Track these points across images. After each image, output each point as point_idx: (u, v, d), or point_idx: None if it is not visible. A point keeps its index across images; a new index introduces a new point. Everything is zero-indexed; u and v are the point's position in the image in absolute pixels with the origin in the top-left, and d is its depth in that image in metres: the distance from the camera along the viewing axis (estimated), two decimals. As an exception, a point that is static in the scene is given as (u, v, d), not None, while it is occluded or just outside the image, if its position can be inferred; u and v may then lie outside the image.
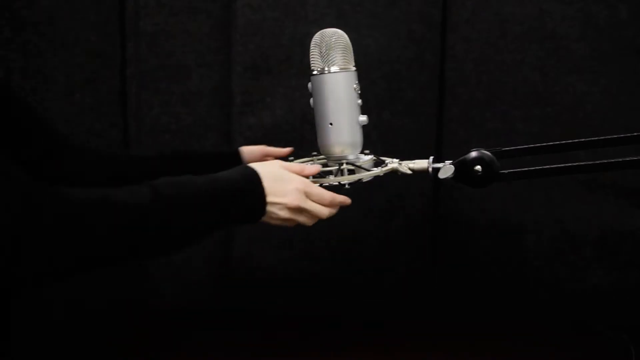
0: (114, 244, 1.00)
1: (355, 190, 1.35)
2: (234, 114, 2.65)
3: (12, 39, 2.47)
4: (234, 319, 2.64)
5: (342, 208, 1.29)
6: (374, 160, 1.39)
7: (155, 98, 2.67)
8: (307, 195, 1.22)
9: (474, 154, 1.33)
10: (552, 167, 1.35)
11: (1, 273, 0.92)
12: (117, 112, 2.68)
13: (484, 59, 2.63)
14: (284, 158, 1.53)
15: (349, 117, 1.33)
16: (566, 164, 1.35)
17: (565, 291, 2.69)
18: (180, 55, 2.65)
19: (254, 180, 1.18)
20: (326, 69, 1.32)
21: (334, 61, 1.31)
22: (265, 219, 1.23)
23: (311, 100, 1.36)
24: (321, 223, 2.69)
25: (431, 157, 1.37)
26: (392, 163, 1.37)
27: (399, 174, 1.36)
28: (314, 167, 1.28)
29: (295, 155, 1.57)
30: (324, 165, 1.39)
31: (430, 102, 2.67)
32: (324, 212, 1.24)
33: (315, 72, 1.33)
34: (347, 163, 1.35)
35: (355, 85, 1.34)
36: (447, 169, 1.33)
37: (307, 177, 1.26)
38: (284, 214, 1.22)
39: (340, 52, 1.31)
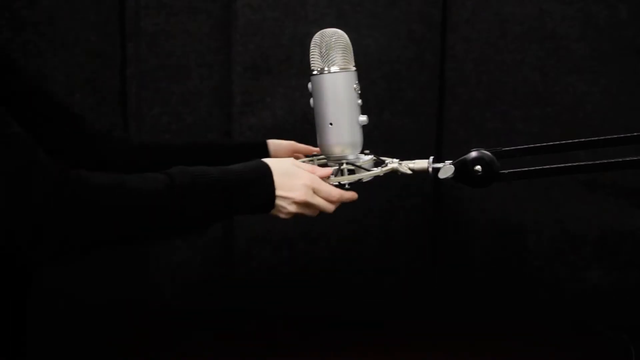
0: (128, 227, 1.07)
1: (355, 190, 1.35)
2: (234, 114, 2.65)
3: (12, 39, 2.47)
4: (234, 319, 2.64)
5: (345, 205, 1.30)
6: (374, 160, 1.39)
7: (155, 98, 2.67)
8: (315, 192, 1.24)
9: (474, 154, 1.33)
10: (552, 167, 1.35)
11: (24, 249, 0.99)
12: (117, 112, 2.68)
13: (484, 59, 2.63)
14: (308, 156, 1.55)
15: (349, 117, 1.33)
16: (566, 164, 1.34)
17: (565, 291, 2.69)
18: (180, 55, 2.65)
19: (265, 174, 1.21)
20: (326, 69, 1.31)
21: (334, 61, 1.31)
22: (274, 212, 1.24)
23: (311, 100, 1.35)
24: (321, 223, 2.70)
25: (431, 157, 1.37)
26: (392, 163, 1.36)
27: (399, 174, 1.36)
28: (325, 170, 1.29)
29: (295, 156, 1.57)
30: (324, 165, 1.39)
31: (430, 102, 2.68)
32: (330, 208, 1.27)
33: (315, 72, 1.32)
34: (347, 163, 1.35)
35: (355, 85, 1.34)
36: (447, 169, 1.33)
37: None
38: (293, 208, 1.24)
39: (340, 52, 1.31)
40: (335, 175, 1.33)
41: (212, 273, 2.76)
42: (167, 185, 1.10)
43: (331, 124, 1.34)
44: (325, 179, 1.29)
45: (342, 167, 1.35)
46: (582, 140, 1.37)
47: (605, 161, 1.33)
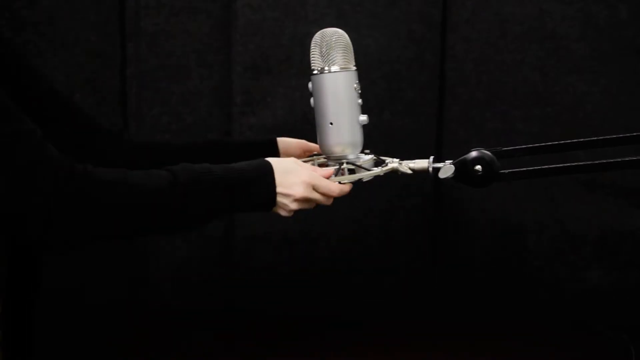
0: (131, 222, 1.11)
1: (355, 190, 1.34)
2: (234, 114, 2.65)
3: (12, 39, 2.47)
4: (234, 319, 2.64)
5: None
6: (374, 159, 1.39)
7: (155, 98, 2.67)
8: (315, 188, 1.25)
9: (474, 153, 1.32)
10: (552, 167, 1.35)
11: (34, 237, 1.06)
12: (117, 112, 2.67)
13: (484, 59, 2.63)
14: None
15: (350, 117, 1.33)
16: (566, 164, 1.34)
17: (565, 291, 2.69)
18: (180, 55, 2.65)
19: (267, 172, 1.23)
20: (326, 68, 1.31)
21: (334, 61, 1.31)
22: (276, 209, 1.26)
23: (311, 99, 1.35)
24: (321, 223, 2.70)
25: (431, 157, 1.36)
26: (393, 163, 1.36)
27: (399, 173, 1.36)
28: (326, 170, 1.29)
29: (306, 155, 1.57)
30: (324, 165, 1.39)
31: (430, 102, 2.68)
32: (328, 202, 1.27)
33: (315, 72, 1.32)
34: (347, 163, 1.35)
35: (355, 85, 1.33)
36: (447, 169, 1.32)
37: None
38: (294, 206, 1.25)
39: (340, 51, 1.31)
40: (336, 175, 1.33)
41: (212, 273, 2.75)
42: (170, 182, 1.13)
43: (331, 123, 1.34)
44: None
45: (342, 166, 1.35)
46: (582, 140, 1.37)
47: (605, 161, 1.33)
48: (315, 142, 1.41)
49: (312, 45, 1.33)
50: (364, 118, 1.35)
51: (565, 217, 2.67)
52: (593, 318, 2.56)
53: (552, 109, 2.62)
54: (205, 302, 2.72)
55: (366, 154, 1.39)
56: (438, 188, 2.71)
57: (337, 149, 1.35)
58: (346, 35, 1.33)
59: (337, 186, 1.27)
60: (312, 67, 1.34)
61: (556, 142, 1.39)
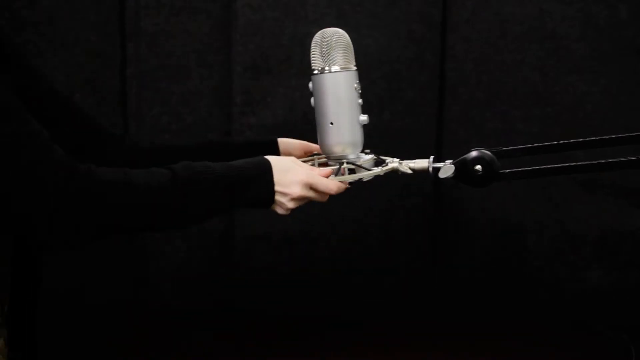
0: (133, 220, 1.14)
1: (355, 189, 1.35)
2: (234, 114, 2.65)
3: (13, 39, 2.47)
4: (234, 319, 2.64)
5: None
6: (375, 159, 1.39)
7: (155, 98, 2.67)
8: (313, 187, 1.25)
9: (474, 153, 1.32)
10: (551, 167, 1.35)
11: (39, 235, 1.08)
12: (117, 112, 2.67)
13: (484, 59, 2.64)
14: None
15: (350, 117, 1.33)
16: (566, 164, 1.34)
17: (565, 291, 2.69)
18: (180, 55, 2.65)
19: (266, 170, 1.24)
20: (327, 68, 1.31)
21: (334, 61, 1.31)
22: (274, 207, 1.27)
23: (312, 99, 1.35)
24: (321, 223, 2.70)
25: (431, 157, 1.36)
26: (393, 162, 1.36)
27: (399, 173, 1.36)
28: (325, 170, 1.29)
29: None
30: (324, 164, 1.39)
31: (430, 102, 2.68)
32: (324, 199, 1.28)
33: (315, 72, 1.32)
34: (347, 162, 1.35)
35: (356, 85, 1.33)
36: (447, 169, 1.32)
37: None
38: (291, 204, 1.27)
39: (341, 51, 1.31)
40: (336, 175, 1.33)
41: (212, 273, 2.75)
42: (170, 181, 1.15)
43: (332, 123, 1.34)
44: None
45: (342, 166, 1.35)
46: (582, 140, 1.37)
47: (605, 161, 1.33)
48: (315, 142, 1.41)
49: (312, 45, 1.33)
50: (364, 118, 1.35)
51: (565, 217, 2.67)
52: (593, 318, 2.56)
53: (552, 109, 2.62)
54: (205, 302, 2.72)
55: (366, 153, 1.39)
56: (438, 188, 2.71)
57: (338, 149, 1.35)
58: (346, 35, 1.33)
59: (334, 184, 1.28)
60: (313, 67, 1.34)
61: (556, 142, 1.39)
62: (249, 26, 2.60)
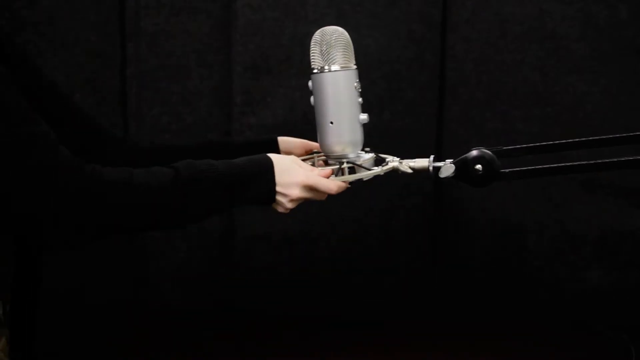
0: (136, 219, 1.15)
1: (355, 189, 1.35)
2: (234, 114, 2.65)
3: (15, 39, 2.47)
4: (234, 319, 2.64)
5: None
6: (375, 158, 1.38)
7: (155, 98, 2.67)
8: (313, 188, 1.25)
9: (474, 152, 1.32)
10: (552, 167, 1.35)
11: (44, 234, 1.10)
12: (117, 112, 2.67)
13: (484, 59, 2.64)
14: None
15: (350, 116, 1.32)
16: (566, 164, 1.34)
17: (565, 291, 2.69)
18: (180, 55, 2.65)
19: (268, 169, 1.25)
20: (326, 67, 1.31)
21: (334, 59, 1.30)
22: (274, 205, 1.28)
23: (311, 98, 1.35)
24: (321, 223, 2.70)
25: (432, 156, 1.36)
26: (393, 162, 1.36)
27: (400, 172, 1.36)
28: (325, 170, 1.29)
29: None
30: (324, 162, 1.39)
31: (430, 102, 2.68)
32: (323, 198, 1.28)
33: (315, 71, 1.32)
34: (347, 162, 1.34)
35: (356, 84, 1.33)
36: (447, 168, 1.32)
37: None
38: (290, 205, 1.28)
39: (341, 50, 1.30)
40: (336, 175, 1.33)
41: (212, 273, 2.75)
42: (173, 180, 1.16)
43: (332, 122, 1.34)
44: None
45: (342, 166, 1.35)
46: (582, 139, 1.37)
47: (605, 161, 1.33)
48: (315, 141, 1.40)
49: (312, 43, 1.32)
50: (364, 117, 1.35)
51: (565, 217, 2.67)
52: (593, 318, 2.56)
53: (552, 109, 2.62)
54: (205, 302, 2.72)
55: (366, 151, 1.39)
56: (438, 188, 2.71)
57: (338, 148, 1.35)
58: (346, 34, 1.33)
59: (335, 184, 1.28)
60: (312, 66, 1.33)
61: (556, 142, 1.39)
62: (249, 26, 2.60)
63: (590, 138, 1.37)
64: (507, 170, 1.34)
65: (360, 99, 1.35)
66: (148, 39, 2.63)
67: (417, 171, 1.37)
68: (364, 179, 1.33)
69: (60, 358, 2.27)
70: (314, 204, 1.35)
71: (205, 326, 2.61)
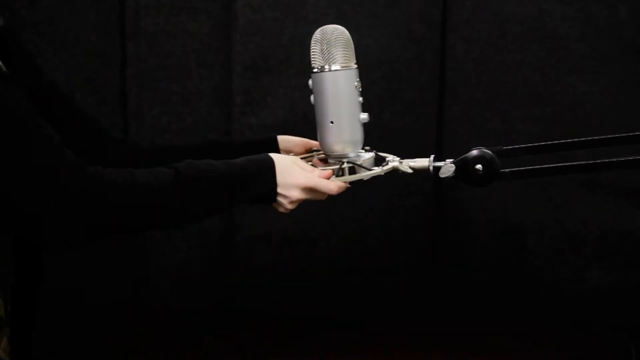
0: (138, 220, 1.16)
1: (355, 189, 1.35)
2: (234, 114, 2.65)
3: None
4: (234, 319, 2.64)
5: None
6: (374, 156, 1.38)
7: (155, 98, 2.67)
8: (314, 190, 1.25)
9: (474, 152, 1.32)
10: (552, 167, 1.35)
11: (49, 235, 1.11)
12: (117, 112, 2.67)
13: (484, 59, 2.64)
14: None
15: (350, 116, 1.32)
16: (566, 164, 1.34)
17: (565, 291, 2.69)
18: (180, 55, 2.65)
19: (269, 169, 1.25)
20: (326, 66, 1.30)
21: (334, 59, 1.30)
22: (274, 205, 1.30)
23: (311, 97, 1.35)
24: (321, 223, 2.70)
25: (432, 156, 1.36)
26: (393, 161, 1.36)
27: (400, 172, 1.36)
28: (325, 172, 1.29)
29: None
30: (324, 160, 1.39)
31: (430, 102, 2.68)
32: (323, 198, 1.28)
33: (315, 70, 1.31)
34: (347, 162, 1.34)
35: (356, 83, 1.33)
36: (447, 168, 1.32)
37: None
38: (290, 206, 1.29)
39: (341, 49, 1.30)
40: (336, 174, 1.33)
41: (212, 273, 2.75)
42: (174, 180, 1.17)
43: (332, 122, 1.34)
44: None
45: (342, 165, 1.34)
46: (582, 139, 1.37)
47: (604, 161, 1.33)
48: (315, 139, 1.40)
49: (312, 42, 1.32)
50: (364, 116, 1.35)
51: (565, 217, 2.67)
52: (593, 318, 2.56)
53: (552, 109, 2.62)
54: (205, 302, 2.72)
55: (366, 150, 1.39)
56: (438, 188, 2.71)
57: (338, 148, 1.35)
58: (347, 32, 1.32)
59: (335, 185, 1.28)
60: (313, 65, 1.33)
61: (556, 142, 1.39)
62: (249, 26, 2.60)
63: (590, 138, 1.37)
64: (507, 170, 1.34)
65: (360, 99, 1.35)
66: (148, 39, 2.63)
67: (417, 171, 1.37)
68: (365, 179, 1.33)
69: (60, 358, 2.27)
70: (314, 204, 1.35)
71: (205, 326, 2.61)
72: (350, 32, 1.34)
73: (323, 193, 1.28)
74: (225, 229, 2.73)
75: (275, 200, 1.26)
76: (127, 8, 2.61)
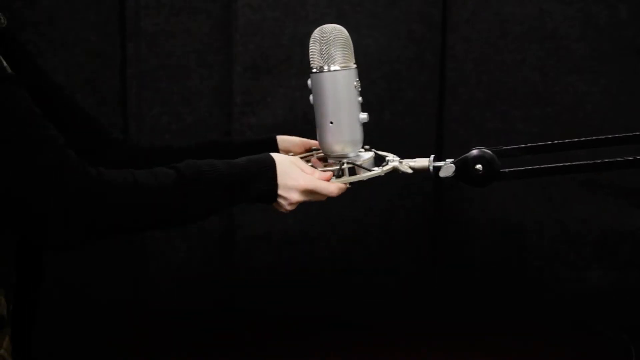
0: (139, 220, 1.17)
1: (355, 189, 1.34)
2: (234, 114, 2.65)
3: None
4: (234, 319, 2.64)
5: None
6: (374, 156, 1.38)
7: (155, 98, 2.67)
8: (314, 192, 1.25)
9: (474, 152, 1.32)
10: (552, 166, 1.35)
11: (52, 235, 1.11)
12: (117, 112, 2.67)
13: (484, 59, 2.64)
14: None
15: (350, 116, 1.32)
16: (566, 163, 1.34)
17: (565, 291, 2.69)
18: (180, 55, 2.65)
19: (270, 169, 1.26)
20: (326, 67, 1.30)
21: (333, 59, 1.29)
22: (274, 205, 1.30)
23: (311, 97, 1.34)
24: (321, 223, 2.70)
25: (432, 156, 1.36)
26: (393, 161, 1.36)
27: (400, 172, 1.35)
28: (325, 174, 1.29)
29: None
30: (323, 159, 1.39)
31: (430, 102, 2.68)
32: (323, 199, 1.28)
33: (314, 70, 1.31)
34: (347, 162, 1.34)
35: (355, 83, 1.32)
36: (447, 168, 1.32)
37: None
38: (290, 207, 1.30)
39: (340, 49, 1.29)
40: (337, 175, 1.33)
41: (212, 273, 2.75)
42: (176, 181, 1.18)
43: (331, 122, 1.33)
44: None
45: (342, 166, 1.34)
46: (582, 139, 1.37)
47: (605, 161, 1.33)
48: (315, 139, 1.40)
49: (311, 41, 1.31)
50: (364, 116, 1.35)
51: (565, 217, 2.67)
52: (593, 318, 2.56)
53: (552, 109, 2.62)
54: (205, 302, 2.72)
55: (366, 149, 1.38)
56: (438, 188, 2.71)
57: (337, 148, 1.35)
58: (345, 32, 1.32)
59: (335, 187, 1.28)
60: (312, 65, 1.32)
61: (556, 142, 1.39)
62: (249, 26, 2.60)
63: (590, 138, 1.37)
64: (507, 170, 1.34)
65: (360, 98, 1.35)
66: (148, 39, 2.63)
67: (417, 171, 1.37)
68: (365, 179, 1.33)
69: (60, 358, 2.27)
70: (314, 204, 1.35)
71: (205, 326, 2.61)
72: (350, 32, 1.34)
73: (323, 195, 1.28)
74: (225, 229, 2.73)
75: (275, 200, 1.26)
76: (127, 8, 2.61)
